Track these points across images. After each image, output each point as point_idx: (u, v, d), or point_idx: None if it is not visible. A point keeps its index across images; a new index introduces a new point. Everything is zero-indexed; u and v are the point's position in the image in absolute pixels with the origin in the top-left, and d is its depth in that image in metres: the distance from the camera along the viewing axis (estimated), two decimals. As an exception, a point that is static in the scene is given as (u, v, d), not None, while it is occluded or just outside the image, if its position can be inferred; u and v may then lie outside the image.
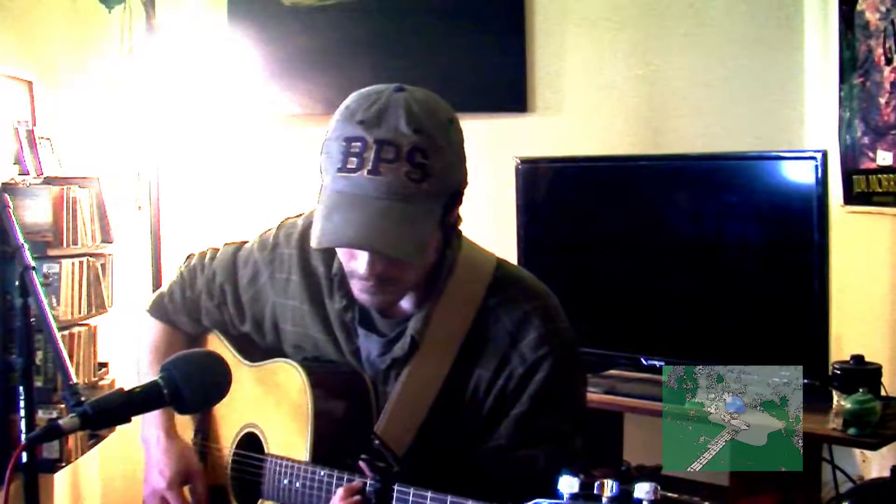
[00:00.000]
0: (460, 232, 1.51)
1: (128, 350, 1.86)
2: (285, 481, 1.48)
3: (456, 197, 1.41)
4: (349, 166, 1.32)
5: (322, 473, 1.42)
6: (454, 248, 1.48)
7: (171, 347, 1.71)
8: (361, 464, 1.37)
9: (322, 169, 1.38)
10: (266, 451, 1.56)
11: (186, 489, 1.67)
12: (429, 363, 1.45)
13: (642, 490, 1.05)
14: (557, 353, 1.42)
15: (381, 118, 1.33)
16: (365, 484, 1.37)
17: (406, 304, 1.48)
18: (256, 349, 1.67)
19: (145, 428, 1.70)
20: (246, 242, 1.69)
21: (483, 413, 1.45)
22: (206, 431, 1.73)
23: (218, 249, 1.72)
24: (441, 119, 1.37)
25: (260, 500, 1.56)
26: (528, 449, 1.43)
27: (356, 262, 1.39)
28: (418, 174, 1.31)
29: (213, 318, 1.70)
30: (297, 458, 1.47)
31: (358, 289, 1.44)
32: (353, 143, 1.33)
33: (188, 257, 1.77)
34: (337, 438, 1.47)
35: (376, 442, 1.41)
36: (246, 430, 1.64)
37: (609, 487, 1.06)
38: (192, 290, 1.71)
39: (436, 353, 1.45)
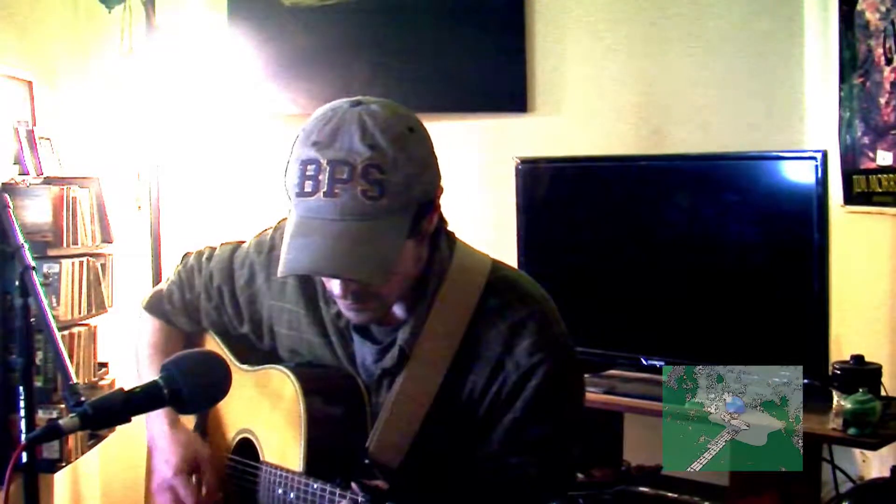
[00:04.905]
0: (452, 235, 1.50)
1: (128, 350, 1.85)
2: (280, 490, 1.47)
3: (428, 206, 1.38)
4: (306, 190, 1.31)
5: (315, 486, 1.40)
6: (444, 252, 1.46)
7: (169, 344, 1.72)
8: (353, 486, 1.34)
9: (286, 192, 1.37)
10: (262, 458, 1.55)
11: (194, 477, 1.63)
12: (421, 373, 1.43)
13: None
14: (552, 359, 1.40)
15: (334, 137, 1.31)
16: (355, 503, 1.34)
17: (399, 311, 1.47)
18: (253, 352, 1.66)
19: (151, 425, 1.69)
20: (243, 242, 1.68)
21: (477, 420, 1.43)
22: (203, 431, 1.73)
23: (215, 249, 1.71)
24: (398, 131, 1.33)
25: None
26: (519, 456, 1.41)
27: (331, 283, 1.40)
28: (375, 191, 1.29)
29: (212, 318, 1.70)
30: (292, 467, 1.46)
31: (341, 307, 1.45)
32: (308, 166, 1.31)
33: (184, 256, 1.76)
34: (331, 447, 1.45)
35: (366, 461, 1.40)
36: (242, 436, 1.63)
37: None
38: (191, 291, 1.70)
39: (428, 362, 1.43)
